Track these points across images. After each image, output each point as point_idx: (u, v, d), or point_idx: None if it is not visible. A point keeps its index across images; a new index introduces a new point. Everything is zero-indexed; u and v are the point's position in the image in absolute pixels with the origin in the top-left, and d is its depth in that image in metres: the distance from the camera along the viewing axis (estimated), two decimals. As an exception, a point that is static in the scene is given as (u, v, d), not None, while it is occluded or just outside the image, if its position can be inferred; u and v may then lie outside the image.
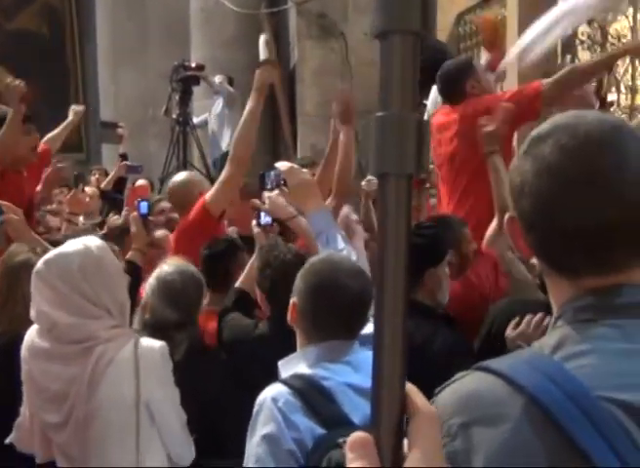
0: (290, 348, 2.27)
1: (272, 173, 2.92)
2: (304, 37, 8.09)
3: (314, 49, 8.03)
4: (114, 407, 2.49)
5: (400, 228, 0.76)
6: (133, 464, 2.47)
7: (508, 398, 0.99)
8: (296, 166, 2.91)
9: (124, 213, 4.99)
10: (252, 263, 3.29)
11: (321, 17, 7.97)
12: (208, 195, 4.06)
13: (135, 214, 3.90)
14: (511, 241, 1.18)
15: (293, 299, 2.23)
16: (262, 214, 3.58)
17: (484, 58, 6.23)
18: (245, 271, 3.39)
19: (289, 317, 2.25)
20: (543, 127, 1.14)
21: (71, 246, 2.66)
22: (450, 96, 4.46)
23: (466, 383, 1.05)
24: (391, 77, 0.76)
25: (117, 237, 4.37)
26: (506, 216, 1.17)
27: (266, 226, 3.60)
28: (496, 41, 6.19)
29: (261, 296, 3.08)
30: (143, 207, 3.91)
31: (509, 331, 2.73)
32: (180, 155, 8.28)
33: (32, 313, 2.61)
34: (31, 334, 2.62)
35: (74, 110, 6.12)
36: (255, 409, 2.07)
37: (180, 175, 4.60)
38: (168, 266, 3.07)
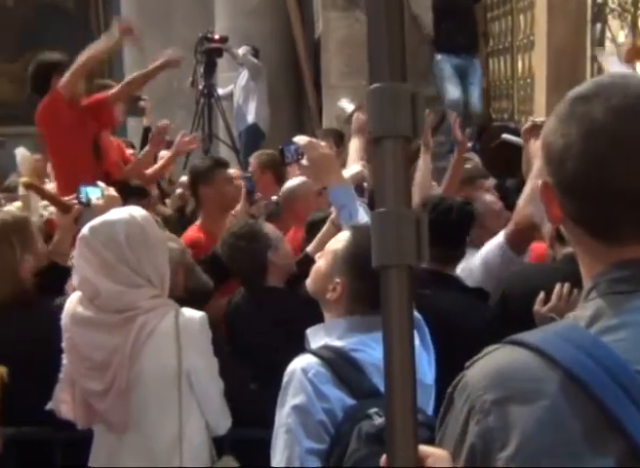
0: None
1: (292, 146, 2.88)
2: (329, 8, 8.02)
3: (339, 19, 7.96)
4: (156, 376, 2.53)
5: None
6: (175, 432, 2.52)
7: (543, 373, 0.98)
8: (314, 140, 2.88)
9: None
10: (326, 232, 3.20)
11: (346, -14, 7.90)
12: None
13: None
14: (544, 207, 1.13)
15: (338, 280, 2.20)
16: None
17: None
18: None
19: (329, 295, 2.21)
20: (584, 88, 1.09)
21: (117, 214, 2.69)
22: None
23: (498, 358, 1.03)
24: (385, 178, 0.84)
25: None
26: (540, 182, 1.13)
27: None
28: None
29: None
30: (249, 183, 4.06)
31: (538, 307, 2.72)
32: (205, 127, 8.26)
33: (75, 280, 2.65)
34: (73, 302, 2.66)
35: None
36: (284, 380, 2.08)
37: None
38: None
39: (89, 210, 3.33)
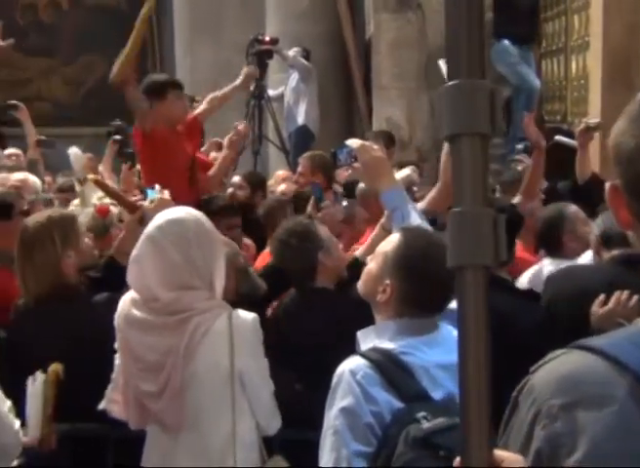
0: None
1: (345, 149, 2.88)
2: (381, 9, 8.01)
3: (390, 21, 7.94)
4: (209, 376, 2.54)
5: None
6: (228, 432, 2.53)
7: (612, 378, 0.96)
8: (367, 143, 2.88)
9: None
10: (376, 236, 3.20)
11: (398, -12, 7.88)
12: None
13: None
14: (613, 213, 1.11)
15: (388, 281, 2.20)
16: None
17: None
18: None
19: (379, 297, 2.22)
20: None
21: (181, 212, 2.69)
22: None
23: (565, 362, 1.02)
24: (463, 177, 0.83)
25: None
26: (608, 185, 1.10)
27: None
28: None
29: None
30: (317, 191, 3.97)
31: (595, 308, 2.69)
32: (255, 128, 8.30)
33: (132, 281, 2.64)
34: (126, 303, 2.67)
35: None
36: (333, 382, 2.08)
37: None
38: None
39: (152, 212, 3.38)
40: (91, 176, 4.30)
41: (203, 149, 6.46)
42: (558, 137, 5.55)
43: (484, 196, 0.84)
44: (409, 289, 2.16)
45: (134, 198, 3.55)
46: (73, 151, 6.40)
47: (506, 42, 7.43)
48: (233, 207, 4.54)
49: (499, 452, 0.98)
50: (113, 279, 3.10)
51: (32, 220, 3.19)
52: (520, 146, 6.89)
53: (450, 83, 0.82)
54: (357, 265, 3.10)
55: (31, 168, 5.71)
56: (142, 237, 2.65)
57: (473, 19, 0.81)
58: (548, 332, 2.77)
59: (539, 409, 0.98)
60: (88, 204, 4.79)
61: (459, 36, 0.80)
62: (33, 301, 3.08)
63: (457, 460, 1.00)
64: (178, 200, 3.48)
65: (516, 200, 4.22)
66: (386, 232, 2.81)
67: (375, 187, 2.82)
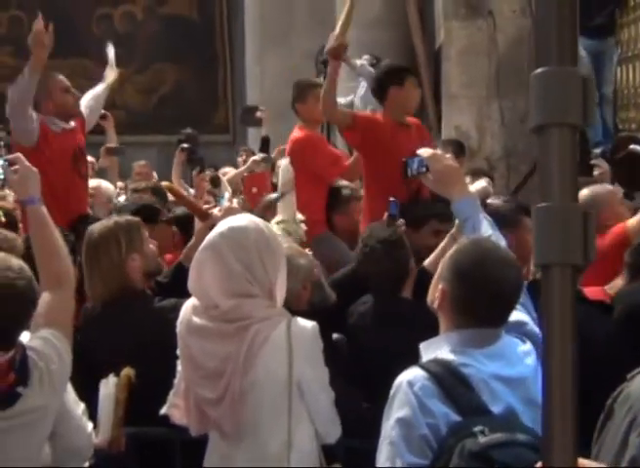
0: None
1: (416, 159, 2.83)
2: (451, 17, 7.94)
3: (461, 29, 7.87)
4: (268, 384, 2.55)
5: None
6: (284, 439, 2.53)
7: None
8: (439, 151, 2.84)
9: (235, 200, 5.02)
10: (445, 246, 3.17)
11: (468, -5, 7.81)
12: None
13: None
14: None
15: (441, 286, 2.19)
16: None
17: None
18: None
19: (435, 302, 2.21)
20: None
21: (243, 220, 2.69)
22: None
23: None
24: (551, 170, 0.77)
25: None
26: None
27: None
28: None
29: None
30: (393, 207, 3.64)
31: None
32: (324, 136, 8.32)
33: (194, 287, 2.65)
34: (187, 310, 2.68)
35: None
36: (391, 392, 2.07)
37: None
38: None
39: None
40: (165, 184, 4.37)
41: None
42: (633, 146, 5.42)
43: (573, 191, 0.79)
44: (461, 295, 2.14)
45: (205, 206, 3.58)
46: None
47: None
48: None
49: (582, 460, 0.96)
50: (181, 285, 3.14)
51: (99, 225, 3.25)
52: (597, 151, 6.75)
53: (539, 70, 0.78)
54: (424, 275, 3.08)
55: (101, 175, 5.85)
56: (204, 243, 2.66)
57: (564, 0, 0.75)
58: (619, 344, 2.70)
59: (634, 417, 0.97)
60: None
61: (548, 19, 0.75)
62: (100, 305, 3.14)
63: (538, 464, 0.97)
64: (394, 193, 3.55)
65: None
66: (455, 242, 2.78)
67: (447, 196, 2.78)
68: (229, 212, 3.31)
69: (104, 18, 12.32)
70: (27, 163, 2.68)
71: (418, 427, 1.98)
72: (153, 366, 2.80)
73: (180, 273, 3.20)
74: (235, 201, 3.46)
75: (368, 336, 3.23)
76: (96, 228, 3.22)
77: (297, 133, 5.43)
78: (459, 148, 5.91)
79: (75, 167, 4.81)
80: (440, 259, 2.93)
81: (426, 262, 3.32)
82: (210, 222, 3.32)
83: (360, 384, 3.11)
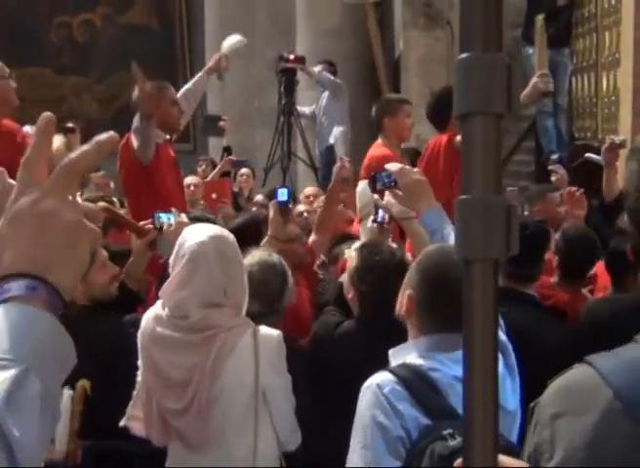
0: (376, 348, 2.26)
1: (384, 174, 2.86)
2: (410, 26, 8.02)
3: (420, 38, 7.95)
4: (235, 392, 2.56)
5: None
6: (250, 448, 2.54)
7: (596, 391, 1.00)
8: (407, 166, 2.87)
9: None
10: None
11: (427, 5, 7.89)
12: None
13: (274, 201, 3.73)
14: None
15: (408, 292, 2.21)
16: (380, 210, 3.45)
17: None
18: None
19: (402, 309, 2.22)
20: None
21: (216, 229, 2.70)
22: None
23: (568, 375, 1.06)
24: (474, 161, 0.74)
25: None
26: None
27: (382, 223, 3.51)
28: None
29: (354, 295, 3.00)
30: (282, 194, 3.72)
31: None
32: (284, 145, 8.33)
33: (170, 297, 2.64)
34: (149, 321, 2.67)
35: None
36: (360, 395, 2.07)
37: None
38: (251, 257, 3.00)
39: (163, 236, 3.38)
40: (101, 204, 4.24)
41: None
42: (588, 155, 5.51)
43: (496, 183, 0.75)
44: (428, 300, 2.15)
45: (142, 222, 3.53)
46: None
47: (530, 50, 7.41)
48: None
49: (503, 459, 1.00)
50: (124, 303, 3.13)
51: None
52: (554, 157, 6.83)
53: (462, 56, 0.74)
54: None
55: None
56: (187, 254, 2.62)
57: None
58: (572, 350, 2.75)
59: (537, 419, 1.02)
60: None
61: (474, 4, 0.72)
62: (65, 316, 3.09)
63: (457, 461, 1.01)
64: None
65: None
66: None
67: (415, 210, 2.80)
68: (183, 226, 3.31)
69: (63, 26, 12.19)
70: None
71: (392, 429, 1.98)
72: (112, 378, 2.79)
73: (123, 291, 3.22)
74: (183, 215, 3.44)
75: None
76: None
77: (378, 149, 5.18)
78: (416, 156, 5.95)
79: (177, 177, 4.86)
80: None
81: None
82: (148, 239, 3.31)
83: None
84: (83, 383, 2.75)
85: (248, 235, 3.48)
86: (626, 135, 5.64)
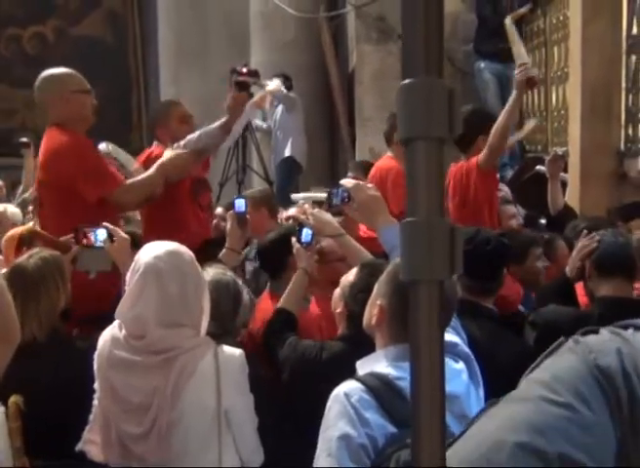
0: None
1: (340, 189, 2.83)
2: (363, 40, 8.08)
3: (373, 52, 8.01)
4: (197, 415, 2.51)
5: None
6: None
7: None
8: (362, 182, 2.86)
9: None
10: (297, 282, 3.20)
11: (380, 20, 7.95)
12: None
13: (231, 211, 3.71)
14: None
15: (379, 302, 2.22)
16: (305, 230, 3.26)
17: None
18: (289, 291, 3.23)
19: (373, 320, 2.22)
20: None
21: (173, 245, 2.61)
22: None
23: None
24: (417, 184, 0.76)
25: None
26: None
27: (308, 244, 3.27)
28: None
29: (342, 314, 2.88)
30: (239, 204, 3.69)
31: None
32: (239, 159, 8.32)
33: (126, 315, 2.57)
34: (106, 343, 2.62)
35: None
36: (328, 404, 2.08)
37: None
38: (205, 275, 2.88)
39: (88, 251, 3.33)
40: (26, 227, 4.09)
41: None
42: (539, 167, 5.58)
43: (439, 205, 0.77)
44: (399, 309, 2.15)
45: (65, 237, 3.45)
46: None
47: (482, 64, 7.50)
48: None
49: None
50: None
51: (29, 261, 3.04)
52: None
53: (405, 81, 0.75)
54: None
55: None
56: (141, 268, 2.55)
57: (432, 10, 0.74)
58: (527, 363, 2.78)
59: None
60: None
61: (415, 30, 0.74)
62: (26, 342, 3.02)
63: None
64: None
65: None
66: None
67: (371, 226, 2.79)
68: (125, 242, 3.28)
69: (13, 39, 12.04)
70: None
71: (356, 437, 1.99)
72: (67, 402, 2.75)
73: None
74: (119, 230, 3.42)
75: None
76: (29, 264, 3.03)
77: (385, 161, 5.39)
78: (369, 170, 5.97)
79: (194, 198, 4.45)
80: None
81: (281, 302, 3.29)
82: (71, 255, 3.27)
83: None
84: (15, 399, 2.70)
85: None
86: (575, 148, 5.74)
